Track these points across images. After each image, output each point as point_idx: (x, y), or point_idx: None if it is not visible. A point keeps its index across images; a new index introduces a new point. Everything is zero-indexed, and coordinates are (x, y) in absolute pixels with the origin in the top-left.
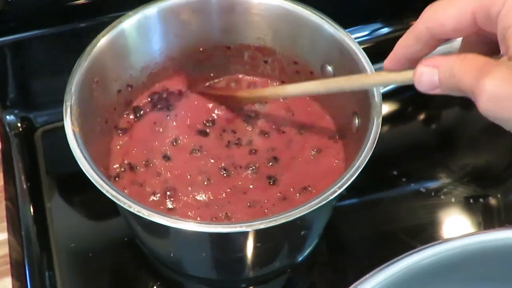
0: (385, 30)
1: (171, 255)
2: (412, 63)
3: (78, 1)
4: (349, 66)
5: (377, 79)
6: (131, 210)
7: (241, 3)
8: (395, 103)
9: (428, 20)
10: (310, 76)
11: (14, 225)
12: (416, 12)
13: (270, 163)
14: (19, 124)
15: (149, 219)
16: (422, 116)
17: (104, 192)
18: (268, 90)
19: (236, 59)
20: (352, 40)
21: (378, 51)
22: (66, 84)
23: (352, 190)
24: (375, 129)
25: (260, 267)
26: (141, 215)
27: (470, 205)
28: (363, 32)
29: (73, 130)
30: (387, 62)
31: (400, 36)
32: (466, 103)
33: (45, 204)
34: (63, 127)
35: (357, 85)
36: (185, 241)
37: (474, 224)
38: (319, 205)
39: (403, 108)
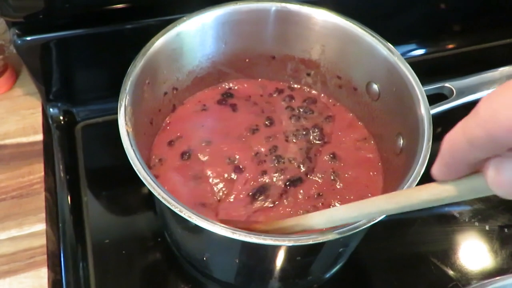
0: (420, 51)
1: (204, 258)
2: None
3: (125, 4)
4: (397, 86)
5: (432, 193)
6: (182, 214)
7: (298, 15)
8: None
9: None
10: (353, 92)
11: (52, 216)
12: (452, 36)
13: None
14: (61, 117)
15: (197, 224)
16: None
17: (156, 194)
18: (289, 221)
19: (278, 69)
20: (403, 60)
21: None
22: (108, 81)
23: None
24: (425, 151)
25: (293, 279)
26: (191, 220)
27: (504, 234)
28: None
29: (127, 131)
30: (437, 171)
31: (435, 59)
32: None
33: (82, 198)
34: (103, 122)
35: (410, 203)
36: (224, 247)
37: (507, 255)
38: (368, 225)
39: (433, 128)
